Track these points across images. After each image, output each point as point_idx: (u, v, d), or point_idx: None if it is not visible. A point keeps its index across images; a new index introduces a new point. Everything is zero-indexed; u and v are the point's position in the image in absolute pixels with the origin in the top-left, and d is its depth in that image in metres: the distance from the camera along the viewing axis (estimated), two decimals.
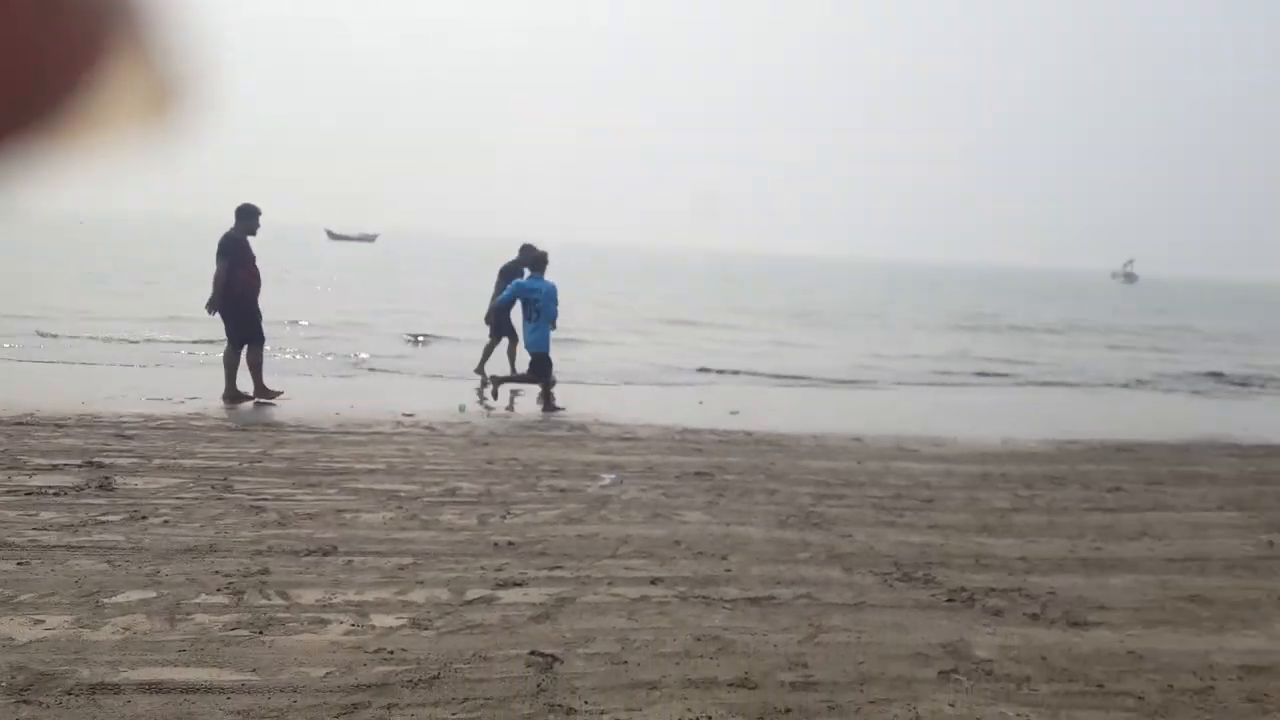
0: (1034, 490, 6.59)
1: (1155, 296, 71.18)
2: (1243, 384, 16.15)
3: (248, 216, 8.61)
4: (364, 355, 13.43)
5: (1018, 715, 3.09)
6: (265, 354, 8.88)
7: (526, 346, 9.21)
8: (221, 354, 8.85)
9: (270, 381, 8.78)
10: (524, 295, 9.12)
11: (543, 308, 8.96)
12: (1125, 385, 15.64)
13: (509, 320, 10.23)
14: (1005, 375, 15.80)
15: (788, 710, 3.03)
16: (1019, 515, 5.86)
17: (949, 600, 4.19)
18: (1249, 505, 6.62)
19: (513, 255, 10.42)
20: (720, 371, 13.80)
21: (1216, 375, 17.35)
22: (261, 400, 8.58)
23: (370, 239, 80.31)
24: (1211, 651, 3.82)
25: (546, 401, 9.14)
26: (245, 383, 8.60)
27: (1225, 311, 48.01)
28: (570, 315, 10.53)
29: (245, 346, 8.59)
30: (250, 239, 8.60)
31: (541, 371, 9.09)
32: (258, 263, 8.68)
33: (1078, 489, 6.75)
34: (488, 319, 10.70)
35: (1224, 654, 3.81)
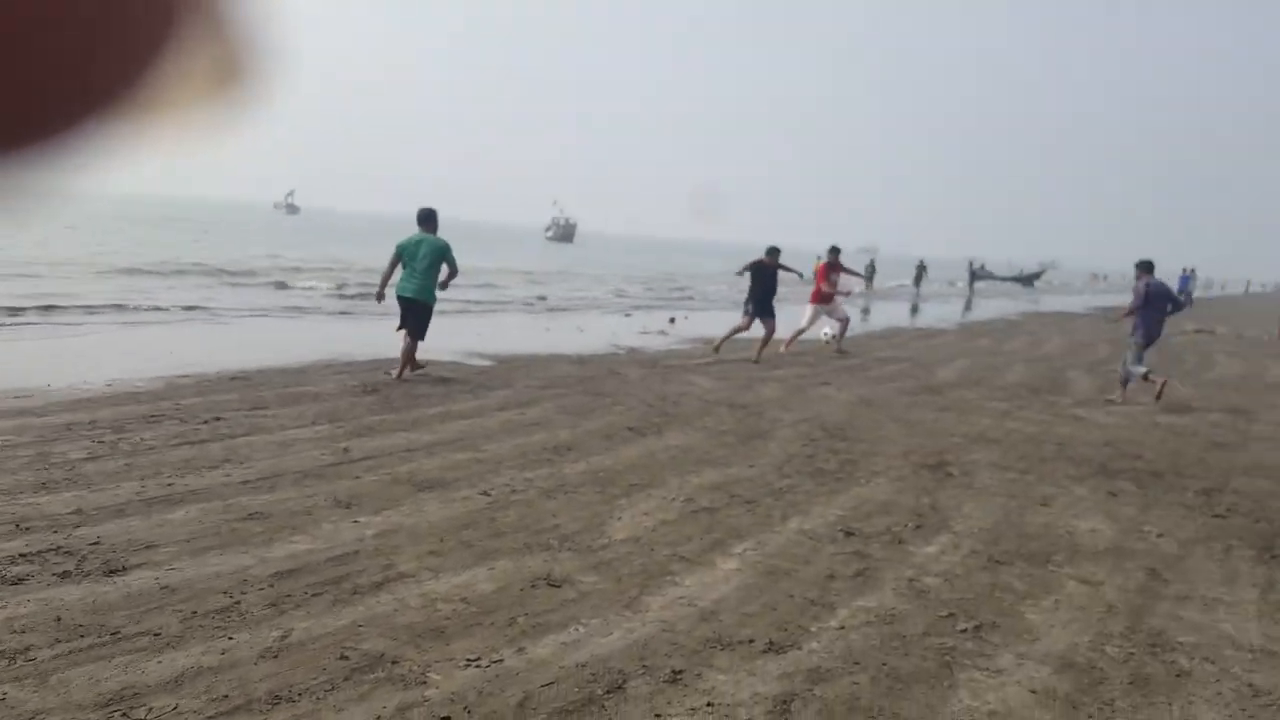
0: (123, 434, 6.21)
1: (315, 226, 76.29)
2: (359, 302, 18.17)
3: None
4: None
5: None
6: None
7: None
8: None
9: None
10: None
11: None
12: (269, 314, 16.23)
13: None
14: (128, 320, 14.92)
15: None
16: (93, 464, 5.43)
17: None
18: (341, 417, 7.32)
19: None
20: None
21: (346, 299, 19.25)
22: None
23: None
24: (251, 566, 4.02)
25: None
26: None
27: (367, 240, 53.71)
28: None
29: None
30: None
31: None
32: None
33: (174, 425, 6.60)
34: None
35: (263, 565, 4.05)
